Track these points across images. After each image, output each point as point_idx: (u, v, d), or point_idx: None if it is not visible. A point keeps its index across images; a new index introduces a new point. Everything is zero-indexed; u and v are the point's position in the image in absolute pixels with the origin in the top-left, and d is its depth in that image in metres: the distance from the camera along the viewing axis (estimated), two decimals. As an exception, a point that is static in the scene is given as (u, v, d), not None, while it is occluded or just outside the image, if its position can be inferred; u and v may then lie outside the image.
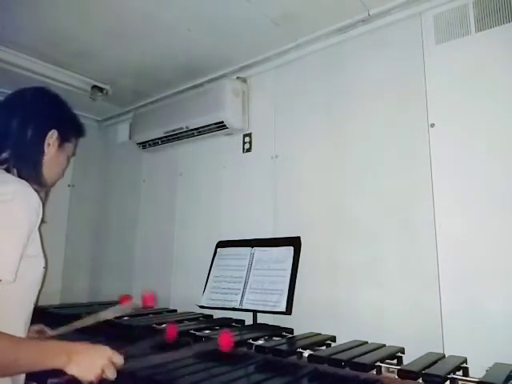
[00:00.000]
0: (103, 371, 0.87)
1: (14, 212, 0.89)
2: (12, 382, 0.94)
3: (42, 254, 1.01)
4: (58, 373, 0.86)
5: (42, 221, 1.00)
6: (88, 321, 1.30)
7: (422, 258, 1.53)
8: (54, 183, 1.14)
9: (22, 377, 0.98)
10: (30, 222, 0.92)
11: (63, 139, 1.12)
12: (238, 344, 1.34)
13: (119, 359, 0.90)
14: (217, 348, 1.16)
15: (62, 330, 1.26)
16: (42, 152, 1.06)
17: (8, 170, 1.00)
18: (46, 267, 1.02)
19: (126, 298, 1.47)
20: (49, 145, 1.08)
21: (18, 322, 0.97)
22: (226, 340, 1.15)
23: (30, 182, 1.00)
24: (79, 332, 1.49)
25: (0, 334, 0.81)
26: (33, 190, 0.96)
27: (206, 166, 2.39)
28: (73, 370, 0.84)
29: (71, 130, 1.16)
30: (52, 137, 1.08)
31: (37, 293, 1.02)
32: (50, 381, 0.93)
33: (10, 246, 0.88)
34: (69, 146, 1.15)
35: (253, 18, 1.81)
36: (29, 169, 1.03)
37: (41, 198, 0.98)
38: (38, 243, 0.99)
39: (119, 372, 0.90)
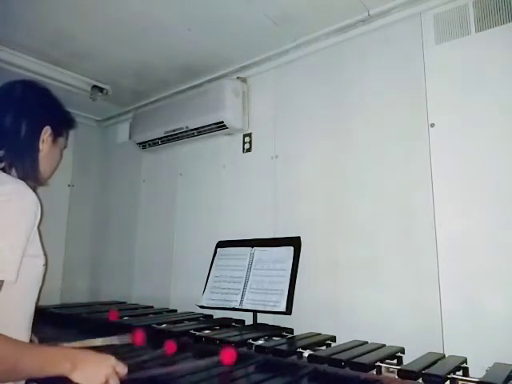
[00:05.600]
0: (107, 380, 0.87)
1: (10, 213, 0.89)
2: None
3: (42, 253, 1.01)
4: (60, 381, 0.86)
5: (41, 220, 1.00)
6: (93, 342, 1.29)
7: (422, 257, 1.53)
8: (49, 178, 1.15)
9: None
10: (27, 222, 0.92)
11: (56, 134, 1.12)
12: (238, 344, 1.34)
13: (123, 369, 0.90)
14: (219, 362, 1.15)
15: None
16: (38, 150, 1.06)
17: (4, 170, 1.00)
18: (46, 265, 1.02)
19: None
20: (43, 141, 1.07)
21: (20, 322, 0.97)
22: (228, 354, 1.14)
23: (27, 181, 0.99)
24: (79, 334, 1.49)
25: None
26: (30, 190, 0.95)
27: (206, 166, 2.39)
28: (78, 377, 0.84)
29: (63, 124, 1.16)
30: (46, 133, 1.08)
31: (38, 291, 1.02)
32: None
33: (9, 248, 0.87)
34: (61, 140, 1.15)
35: (253, 18, 1.81)
36: (26, 167, 1.03)
37: (39, 196, 0.98)
38: (37, 242, 0.99)
39: (122, 382, 0.90)
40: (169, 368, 1.06)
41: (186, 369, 1.12)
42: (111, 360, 0.90)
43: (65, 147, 1.20)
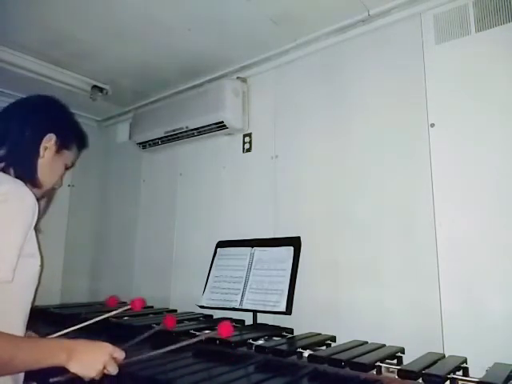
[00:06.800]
0: (105, 367, 0.88)
1: (8, 213, 0.89)
2: (13, 381, 0.93)
3: (38, 253, 1.01)
4: (59, 371, 0.86)
5: (38, 222, 1.00)
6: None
7: (422, 257, 1.53)
8: (50, 188, 1.12)
9: (21, 376, 0.98)
10: (25, 221, 0.92)
11: (62, 145, 1.10)
12: (238, 344, 1.35)
13: (120, 354, 0.91)
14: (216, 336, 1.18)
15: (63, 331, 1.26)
16: (38, 154, 1.06)
17: (4, 170, 1.00)
18: (41, 265, 1.02)
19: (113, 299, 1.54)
20: (45, 148, 1.07)
21: (15, 322, 0.97)
22: (226, 327, 1.16)
23: (25, 182, 0.99)
24: (79, 333, 1.49)
25: None
26: (28, 190, 0.95)
27: (206, 166, 2.39)
28: (75, 367, 0.85)
29: (71, 137, 1.15)
30: (49, 140, 1.07)
31: (33, 292, 1.02)
32: (51, 380, 0.92)
33: (6, 247, 0.87)
34: (67, 154, 1.13)
35: (253, 18, 1.81)
36: (24, 168, 1.02)
37: (37, 198, 0.98)
38: (34, 242, 0.98)
39: (120, 367, 0.91)
40: (164, 348, 1.06)
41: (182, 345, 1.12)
42: (108, 347, 0.90)
43: (72, 164, 1.17)
